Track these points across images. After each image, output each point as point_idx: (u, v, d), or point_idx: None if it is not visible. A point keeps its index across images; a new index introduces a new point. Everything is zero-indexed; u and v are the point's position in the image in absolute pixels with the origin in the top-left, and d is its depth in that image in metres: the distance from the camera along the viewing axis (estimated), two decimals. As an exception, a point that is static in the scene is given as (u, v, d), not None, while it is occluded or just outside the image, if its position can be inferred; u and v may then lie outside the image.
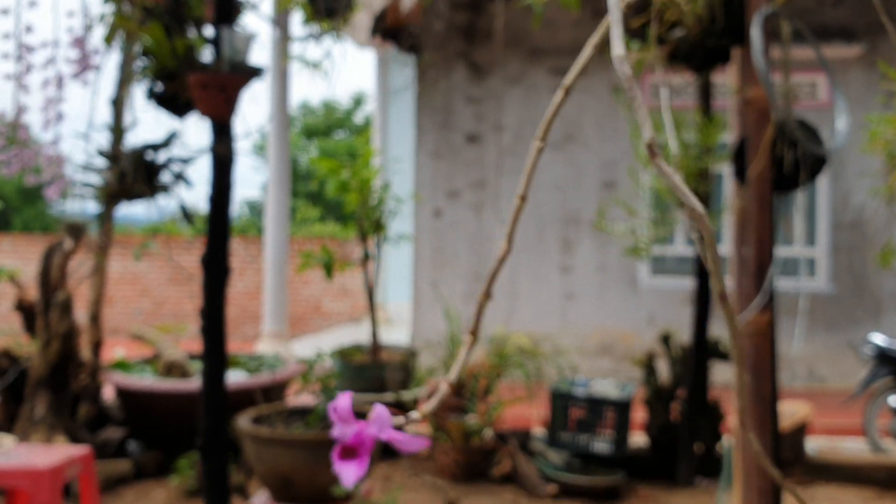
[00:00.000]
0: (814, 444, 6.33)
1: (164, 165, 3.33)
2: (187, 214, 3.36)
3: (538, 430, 6.05)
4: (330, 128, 25.44)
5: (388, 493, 5.20)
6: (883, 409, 6.69)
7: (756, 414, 2.89)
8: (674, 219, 6.01)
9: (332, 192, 5.75)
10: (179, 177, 3.31)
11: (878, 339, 6.85)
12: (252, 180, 39.79)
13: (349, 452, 0.97)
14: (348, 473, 0.95)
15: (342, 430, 0.98)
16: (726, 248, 8.76)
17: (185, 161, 3.34)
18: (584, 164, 9.65)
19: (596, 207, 9.60)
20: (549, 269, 9.68)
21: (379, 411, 0.94)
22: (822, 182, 9.07)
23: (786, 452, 5.59)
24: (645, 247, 5.19)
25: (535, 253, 9.69)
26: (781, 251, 9.17)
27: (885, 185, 4.99)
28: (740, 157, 2.89)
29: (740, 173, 2.99)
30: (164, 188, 3.33)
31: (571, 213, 9.66)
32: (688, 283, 9.61)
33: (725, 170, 8.26)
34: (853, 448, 6.69)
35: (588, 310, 9.63)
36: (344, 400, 0.95)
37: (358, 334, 10.93)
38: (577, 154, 9.66)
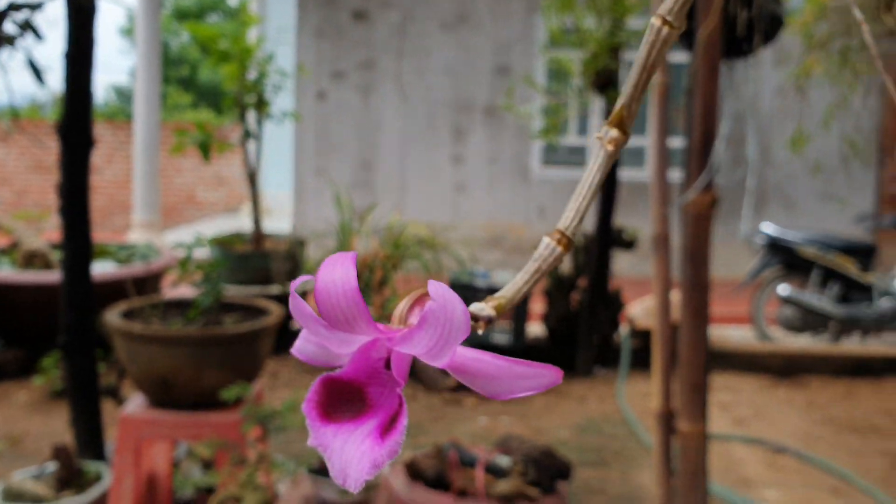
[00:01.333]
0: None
1: (5, 12, 2.74)
2: (36, 70, 2.80)
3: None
4: (203, 10, 23.91)
5: (286, 396, 4.84)
6: (771, 297, 6.74)
7: (692, 302, 2.66)
8: (568, 106, 5.70)
9: (210, 63, 5.16)
10: (26, 26, 2.74)
11: (770, 228, 6.85)
12: (120, 65, 37.40)
13: (351, 398, 0.56)
14: (352, 450, 0.54)
15: (335, 345, 0.57)
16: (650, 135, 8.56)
17: (34, 7, 2.76)
18: (477, 48, 9.20)
19: (489, 94, 9.22)
20: (441, 159, 9.31)
21: (441, 294, 0.52)
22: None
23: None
24: (552, 129, 4.87)
25: (426, 142, 9.28)
26: (674, 141, 9.08)
27: (800, 69, 4.78)
28: (688, 17, 2.56)
29: (687, 35, 2.67)
30: (9, 40, 2.75)
31: (464, 100, 9.26)
32: (580, 174, 9.44)
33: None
34: (740, 336, 6.74)
35: (480, 201, 9.36)
36: (343, 271, 0.54)
37: (236, 225, 10.35)
38: (469, 37, 9.19)
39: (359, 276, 5.78)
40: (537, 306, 6.14)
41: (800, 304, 6.48)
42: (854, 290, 6.59)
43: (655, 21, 0.60)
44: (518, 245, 9.34)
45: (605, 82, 4.95)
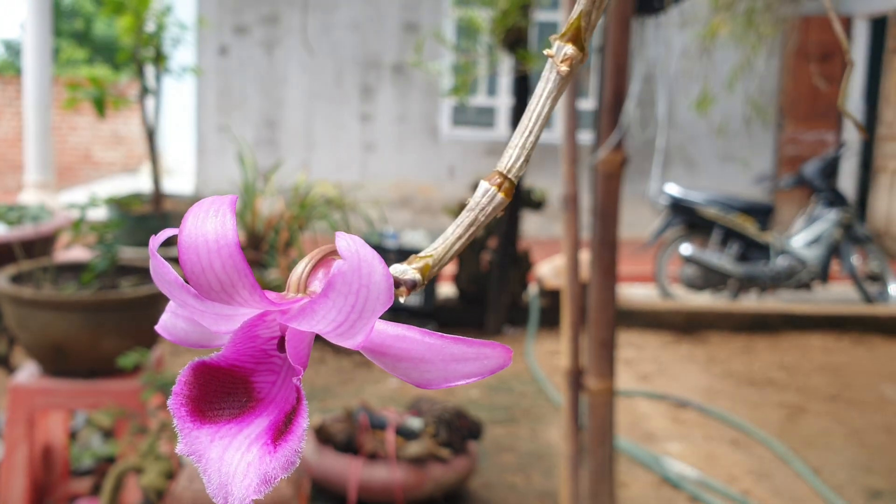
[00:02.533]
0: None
1: None
2: None
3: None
4: (96, -41, 22.85)
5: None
6: (673, 256, 6.89)
7: (602, 261, 2.67)
8: (478, 64, 5.66)
9: (104, 14, 4.90)
10: None
11: (673, 189, 6.98)
12: (7, 19, 35.51)
13: (233, 391, 0.43)
14: (234, 459, 0.40)
15: (209, 321, 0.44)
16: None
17: None
18: (384, 4, 9.04)
19: (398, 51, 9.09)
20: (349, 118, 9.15)
21: (355, 251, 0.40)
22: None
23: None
24: (462, 88, 4.81)
25: (332, 99, 9.10)
26: (583, 103, 9.13)
27: (706, 30, 4.82)
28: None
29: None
30: None
31: (372, 57, 9.10)
32: (490, 134, 9.43)
33: None
34: (644, 294, 6.88)
35: (388, 161, 9.26)
36: (217, 222, 0.40)
37: (135, 185, 10.00)
38: (377, -8, 9.02)
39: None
40: (448, 267, 6.13)
41: (701, 263, 6.64)
42: (753, 249, 6.79)
43: None
44: (427, 205, 9.29)
45: (514, 40, 4.91)
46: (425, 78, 8.76)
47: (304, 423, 0.42)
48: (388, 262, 0.45)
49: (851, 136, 9.29)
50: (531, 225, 8.36)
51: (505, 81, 9.14)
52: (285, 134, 9.07)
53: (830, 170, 6.99)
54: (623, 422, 4.09)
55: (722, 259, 6.65)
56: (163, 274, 0.44)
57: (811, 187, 7.04)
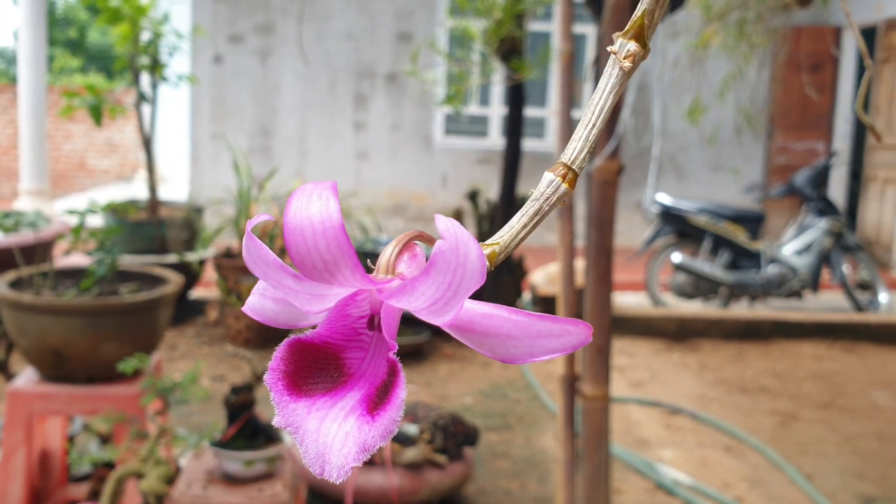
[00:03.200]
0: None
1: None
2: None
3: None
4: (88, -33, 22.85)
5: (185, 368, 4.72)
6: (665, 264, 6.93)
7: (597, 267, 2.70)
8: (472, 74, 5.70)
9: (100, 22, 4.92)
10: None
11: (664, 198, 7.03)
12: (2, 28, 35.46)
13: (326, 366, 0.45)
14: (332, 430, 0.43)
15: (303, 301, 0.46)
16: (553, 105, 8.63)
17: None
18: (379, 13, 9.08)
19: (391, 60, 9.13)
20: (342, 126, 9.19)
21: (453, 232, 0.42)
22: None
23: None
24: (457, 97, 4.85)
25: (326, 108, 9.14)
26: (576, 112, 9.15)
27: (698, 40, 4.87)
28: (594, -18, 2.58)
29: (594, 3, 2.68)
30: None
31: (365, 66, 9.14)
32: (482, 143, 9.47)
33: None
34: (636, 302, 6.92)
35: (382, 169, 9.29)
36: (321, 204, 0.42)
37: (130, 193, 10.00)
38: (371, 1, 9.06)
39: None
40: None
41: (692, 271, 6.69)
42: (743, 257, 6.84)
43: None
44: (421, 213, 9.33)
45: (508, 50, 4.95)
46: (418, 87, 8.81)
47: (402, 393, 0.44)
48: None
49: (841, 145, 9.36)
50: (524, 233, 8.40)
51: (497, 91, 9.19)
52: (279, 142, 9.10)
53: (821, 179, 7.05)
54: (616, 428, 4.12)
55: (712, 267, 6.69)
56: (262, 255, 0.46)
57: (801, 196, 7.10)
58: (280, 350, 0.46)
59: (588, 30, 8.95)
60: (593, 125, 0.52)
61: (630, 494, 3.54)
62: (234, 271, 5.31)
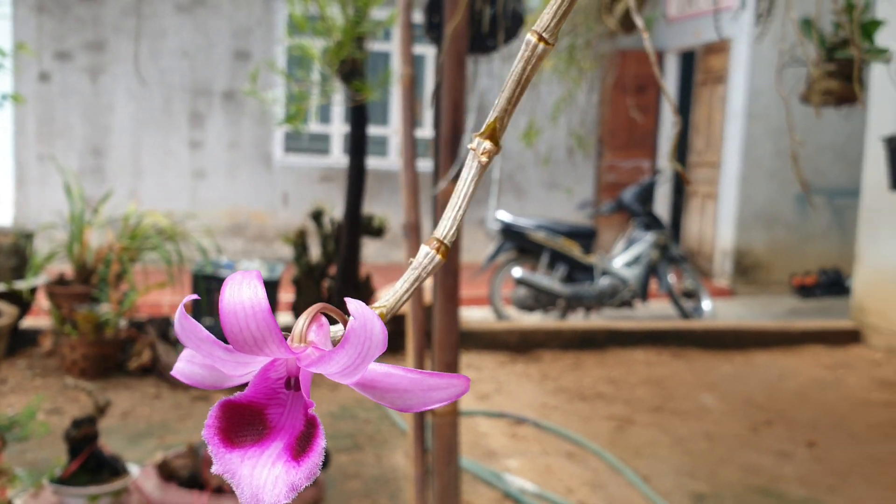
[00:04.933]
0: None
1: None
2: None
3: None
4: None
5: (16, 403, 4.48)
6: (507, 279, 7.16)
7: (445, 287, 2.77)
8: (310, 92, 5.71)
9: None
10: None
11: (505, 216, 7.26)
12: None
13: (252, 422, 0.53)
14: (263, 474, 0.51)
15: (229, 367, 0.53)
16: (396, 123, 8.67)
17: None
18: (214, 31, 8.92)
19: (228, 79, 8.99)
20: (178, 145, 8.95)
21: (361, 312, 0.52)
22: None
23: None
24: (298, 116, 4.85)
25: (161, 126, 8.88)
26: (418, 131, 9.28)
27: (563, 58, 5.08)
28: (435, 11, 2.66)
29: (434, 28, 2.76)
30: None
31: (202, 84, 8.95)
32: (324, 161, 9.46)
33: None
34: (480, 316, 7.10)
35: (220, 188, 9.11)
36: (250, 291, 0.51)
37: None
38: (206, 19, 8.89)
39: (93, 271, 5.41)
40: (285, 295, 6.10)
41: (531, 285, 6.94)
42: (578, 271, 7.16)
43: (532, 37, 0.61)
44: (261, 233, 9.20)
45: (349, 71, 4.99)
46: (257, 105, 8.71)
47: (322, 441, 0.52)
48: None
49: (665, 163, 9.95)
50: (370, 250, 8.45)
51: (338, 109, 9.21)
52: (112, 162, 8.76)
53: (646, 195, 7.49)
54: (465, 441, 4.22)
55: (550, 281, 6.97)
56: (196, 333, 0.53)
57: (629, 212, 7.50)
58: (214, 410, 0.53)
59: (428, 50, 9.12)
60: (460, 207, 0.62)
61: (480, 505, 3.64)
62: (69, 299, 5.08)
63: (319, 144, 9.54)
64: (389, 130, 9.61)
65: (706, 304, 7.32)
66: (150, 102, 8.79)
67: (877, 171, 6.54)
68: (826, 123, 6.57)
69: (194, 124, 8.95)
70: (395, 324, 5.73)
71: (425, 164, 5.34)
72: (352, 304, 0.51)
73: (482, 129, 0.63)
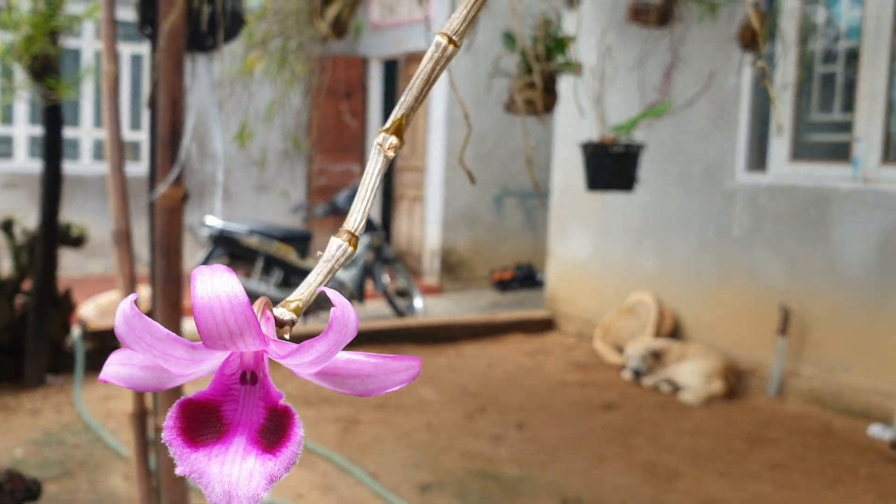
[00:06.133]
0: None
1: None
2: None
3: None
4: None
5: None
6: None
7: (167, 296, 2.63)
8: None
9: None
10: None
11: (214, 221, 7.06)
12: None
13: (209, 420, 0.52)
14: (235, 470, 0.51)
15: (180, 367, 0.52)
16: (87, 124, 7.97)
17: None
18: None
19: None
20: None
21: (340, 301, 0.53)
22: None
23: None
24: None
25: None
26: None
27: (243, 66, 5.00)
28: (149, 6, 2.50)
29: (147, 24, 2.61)
30: None
31: None
32: (8, 166, 8.64)
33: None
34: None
35: None
36: (225, 284, 0.51)
37: None
38: None
39: None
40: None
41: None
42: (295, 275, 7.13)
43: (441, 39, 0.63)
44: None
45: (42, 68, 4.60)
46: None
47: (300, 431, 0.52)
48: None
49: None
50: (65, 263, 7.83)
51: (23, 108, 8.46)
52: None
53: (359, 198, 7.62)
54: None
55: (266, 286, 6.87)
56: (152, 331, 0.50)
57: (343, 215, 7.60)
58: (173, 410, 0.52)
59: (126, 49, 8.62)
60: (367, 200, 0.64)
61: (209, 522, 3.51)
62: None
63: (2, 148, 8.70)
64: (82, 132, 8.98)
65: (418, 302, 7.59)
66: None
67: (564, 175, 7.16)
68: (518, 131, 7.08)
69: None
70: (98, 341, 5.36)
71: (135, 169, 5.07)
72: (329, 292, 0.53)
73: (387, 125, 0.65)
